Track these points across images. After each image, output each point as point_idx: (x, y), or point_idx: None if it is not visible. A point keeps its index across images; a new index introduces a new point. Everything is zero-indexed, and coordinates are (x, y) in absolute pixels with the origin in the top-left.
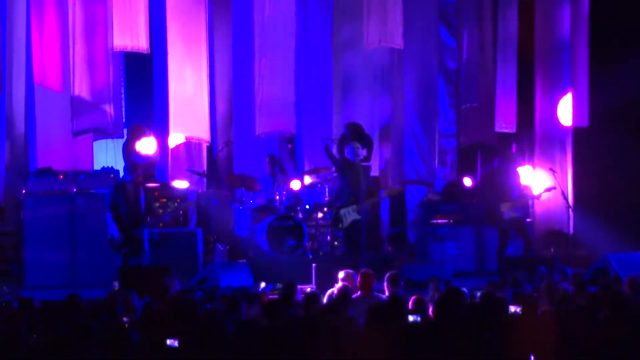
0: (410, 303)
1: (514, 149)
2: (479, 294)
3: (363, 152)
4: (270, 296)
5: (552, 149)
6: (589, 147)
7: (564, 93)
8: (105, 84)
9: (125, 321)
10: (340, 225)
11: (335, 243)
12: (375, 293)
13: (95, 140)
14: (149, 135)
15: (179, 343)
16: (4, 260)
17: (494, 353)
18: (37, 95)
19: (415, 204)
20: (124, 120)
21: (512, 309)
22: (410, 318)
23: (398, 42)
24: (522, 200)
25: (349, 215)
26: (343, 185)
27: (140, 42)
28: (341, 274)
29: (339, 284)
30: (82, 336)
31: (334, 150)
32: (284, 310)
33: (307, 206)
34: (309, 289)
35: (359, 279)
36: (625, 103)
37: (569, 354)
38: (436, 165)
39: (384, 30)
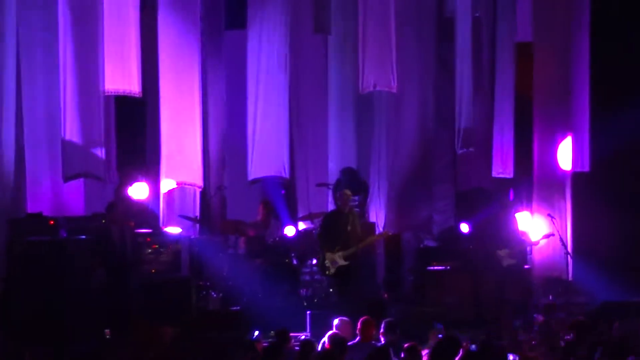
0: (404, 351)
1: (511, 195)
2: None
3: (355, 199)
4: (265, 343)
5: (550, 194)
6: (588, 193)
7: (564, 137)
8: (97, 129)
9: None
10: (327, 272)
11: (331, 290)
12: (373, 341)
13: (86, 184)
14: (140, 180)
15: None
16: None
17: None
18: (27, 139)
19: (411, 250)
20: (115, 165)
21: (511, 357)
22: None
23: (393, 86)
24: (520, 247)
25: (335, 261)
26: (329, 230)
27: (132, 86)
28: (336, 321)
29: (332, 332)
30: None
31: (329, 196)
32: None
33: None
34: (303, 337)
35: (359, 327)
36: (626, 148)
37: None
38: (433, 211)
39: (379, 75)
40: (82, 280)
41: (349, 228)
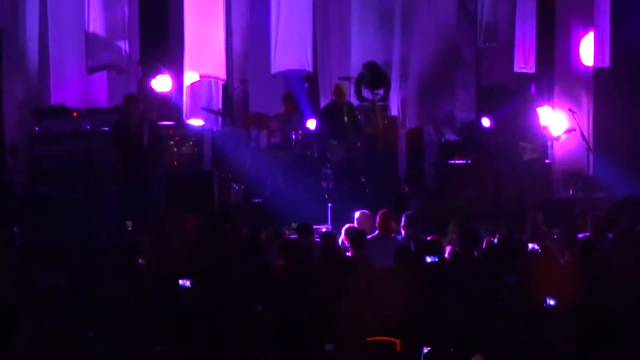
0: (427, 244)
1: (533, 90)
2: (496, 236)
3: (379, 92)
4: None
5: (571, 89)
6: (609, 88)
7: (585, 32)
8: (120, 21)
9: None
10: (328, 164)
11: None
12: (393, 234)
13: (109, 77)
14: (164, 72)
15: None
16: (16, 198)
17: (512, 293)
18: (50, 31)
19: (432, 144)
20: (139, 57)
21: (531, 246)
22: (428, 259)
23: None
24: (541, 141)
25: (336, 153)
26: (328, 123)
27: None
28: (357, 214)
29: (349, 225)
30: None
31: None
32: (301, 249)
33: None
34: (324, 229)
35: (378, 220)
36: None
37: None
38: (455, 105)
39: None
40: (104, 172)
41: (345, 120)
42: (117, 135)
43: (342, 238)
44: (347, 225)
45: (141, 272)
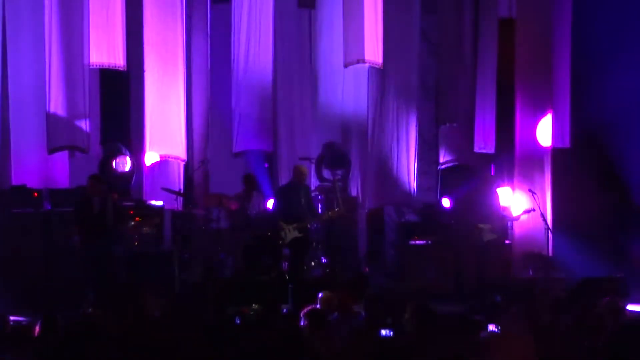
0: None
1: (492, 170)
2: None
3: (338, 172)
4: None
5: (531, 170)
6: (568, 169)
7: (545, 113)
8: (82, 101)
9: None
10: (281, 242)
11: (312, 263)
12: (353, 315)
13: (70, 157)
14: (124, 153)
15: None
16: None
17: None
18: (12, 111)
19: (393, 224)
20: (100, 137)
21: (491, 327)
22: (383, 332)
23: (377, 61)
24: (501, 222)
25: (289, 233)
26: (284, 203)
27: (117, 59)
28: (320, 294)
29: (309, 307)
30: None
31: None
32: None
33: None
34: (285, 310)
35: (337, 300)
36: (605, 124)
37: None
38: (415, 186)
39: (363, 48)
40: (65, 251)
41: (302, 201)
42: (79, 215)
43: (302, 321)
44: (308, 307)
45: (102, 353)
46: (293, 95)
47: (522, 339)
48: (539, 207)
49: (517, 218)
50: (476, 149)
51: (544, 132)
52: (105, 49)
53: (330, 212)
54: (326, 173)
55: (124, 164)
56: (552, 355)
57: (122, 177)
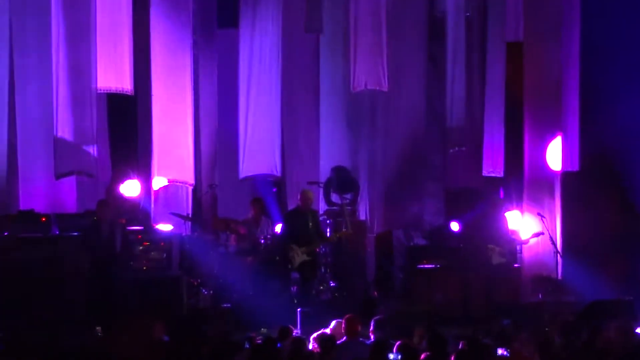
0: (395, 348)
1: (501, 194)
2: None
3: (347, 197)
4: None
5: (540, 193)
6: (578, 192)
7: (554, 137)
8: (89, 126)
9: None
10: (290, 266)
11: (321, 287)
12: (361, 339)
13: (78, 182)
14: (132, 178)
15: None
16: None
17: None
18: (19, 136)
19: (401, 248)
20: (108, 162)
21: (500, 351)
22: (391, 356)
23: (384, 85)
24: (510, 245)
25: (298, 256)
26: (292, 227)
27: (124, 83)
28: (333, 324)
29: (320, 332)
30: None
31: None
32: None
33: None
34: (294, 334)
35: (344, 324)
36: (615, 147)
37: None
38: (423, 209)
39: (370, 73)
40: (73, 277)
41: (310, 225)
42: (88, 241)
43: (312, 344)
44: (317, 332)
45: None
46: (300, 120)
47: None
48: (548, 231)
49: (526, 242)
50: (485, 173)
51: (554, 155)
52: (112, 74)
53: (338, 234)
54: (334, 197)
55: (132, 188)
56: None
57: (130, 202)
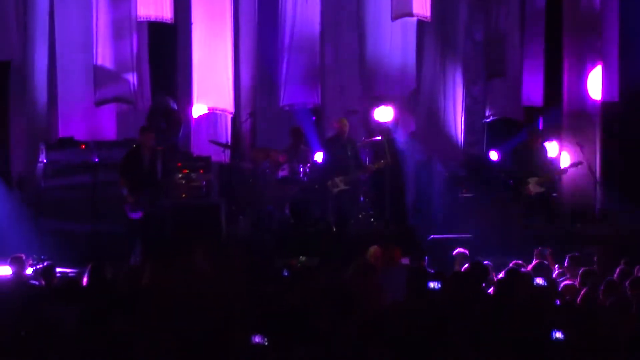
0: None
1: (540, 124)
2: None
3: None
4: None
5: (580, 123)
6: (617, 122)
7: (594, 66)
8: (129, 54)
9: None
10: (328, 195)
11: (360, 216)
12: (399, 265)
13: (118, 110)
14: (172, 105)
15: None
16: (24, 231)
17: (516, 325)
18: (59, 64)
19: (441, 177)
20: (147, 90)
21: (538, 280)
22: (431, 285)
23: (425, 14)
24: (549, 175)
25: (337, 185)
26: (332, 156)
27: (164, 11)
28: (372, 250)
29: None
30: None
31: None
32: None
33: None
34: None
35: (384, 253)
36: None
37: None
38: (462, 139)
39: (411, 1)
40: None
41: (349, 154)
42: (127, 167)
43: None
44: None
45: (150, 306)
46: (340, 49)
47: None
48: (587, 161)
49: (565, 171)
50: (524, 102)
51: (594, 85)
52: (152, 2)
53: (376, 164)
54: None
55: (172, 116)
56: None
57: (170, 130)
